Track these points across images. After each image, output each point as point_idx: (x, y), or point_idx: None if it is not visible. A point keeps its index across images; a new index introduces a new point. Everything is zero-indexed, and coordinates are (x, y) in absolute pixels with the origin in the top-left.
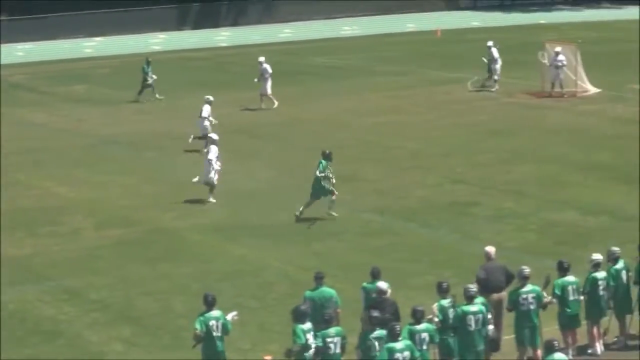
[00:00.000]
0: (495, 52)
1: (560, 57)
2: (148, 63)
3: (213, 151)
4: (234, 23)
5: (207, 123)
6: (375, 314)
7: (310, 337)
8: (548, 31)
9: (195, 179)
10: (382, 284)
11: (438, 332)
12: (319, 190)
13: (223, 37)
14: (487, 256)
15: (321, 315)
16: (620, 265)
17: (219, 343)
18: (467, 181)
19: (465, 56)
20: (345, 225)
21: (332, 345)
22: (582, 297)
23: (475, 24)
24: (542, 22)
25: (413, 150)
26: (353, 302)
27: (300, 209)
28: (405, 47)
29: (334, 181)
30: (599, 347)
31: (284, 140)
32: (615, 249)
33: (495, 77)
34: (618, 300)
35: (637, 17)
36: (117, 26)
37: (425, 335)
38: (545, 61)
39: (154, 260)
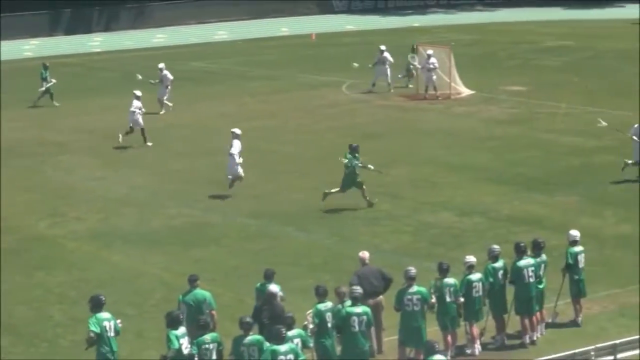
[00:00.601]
0: (388, 56)
1: (432, 59)
2: (46, 68)
3: (236, 145)
4: (107, 28)
5: (137, 117)
6: (247, 319)
7: (184, 341)
8: (421, 34)
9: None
10: (273, 287)
11: (314, 337)
12: (350, 182)
13: (96, 42)
14: (362, 261)
15: (196, 321)
16: (499, 264)
17: (113, 344)
18: (339, 184)
19: (339, 60)
20: (223, 230)
21: (207, 352)
22: (461, 299)
23: (350, 27)
24: (415, 25)
25: (289, 154)
26: (230, 307)
27: (330, 191)
28: (280, 51)
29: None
30: (477, 348)
31: (158, 146)
32: (496, 247)
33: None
34: (494, 299)
35: (511, 20)
36: None
37: (298, 340)
38: (416, 63)
39: (30, 269)
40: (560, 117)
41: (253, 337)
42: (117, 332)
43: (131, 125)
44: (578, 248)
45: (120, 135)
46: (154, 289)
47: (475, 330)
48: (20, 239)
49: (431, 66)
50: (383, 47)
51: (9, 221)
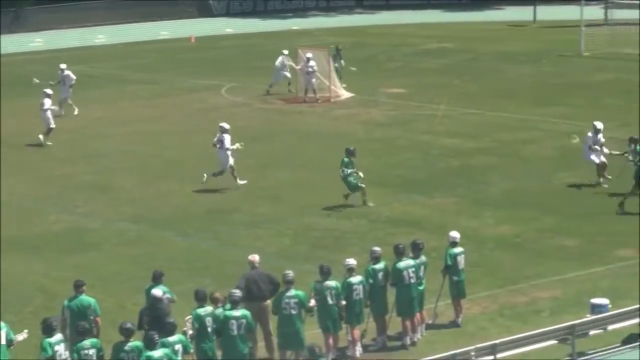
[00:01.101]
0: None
1: (312, 62)
2: None
3: (227, 139)
4: None
5: (49, 114)
6: (128, 325)
7: (59, 348)
8: (301, 37)
9: (204, 178)
10: (157, 291)
11: (194, 341)
12: (350, 185)
13: None
14: (251, 264)
15: (75, 327)
16: (379, 265)
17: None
18: (223, 188)
19: (219, 63)
20: (103, 235)
21: (87, 358)
22: (343, 302)
23: (229, 30)
24: (295, 28)
25: (169, 158)
26: (111, 312)
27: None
28: (160, 55)
29: (362, 175)
30: (358, 350)
31: (39, 151)
32: (377, 248)
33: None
34: (375, 301)
35: (391, 23)
36: None
37: (179, 346)
38: (292, 63)
39: None
40: (439, 119)
41: (133, 343)
42: (9, 341)
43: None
44: (457, 249)
45: (41, 136)
46: (33, 296)
47: (357, 333)
48: None
49: (310, 69)
50: (286, 52)
51: None
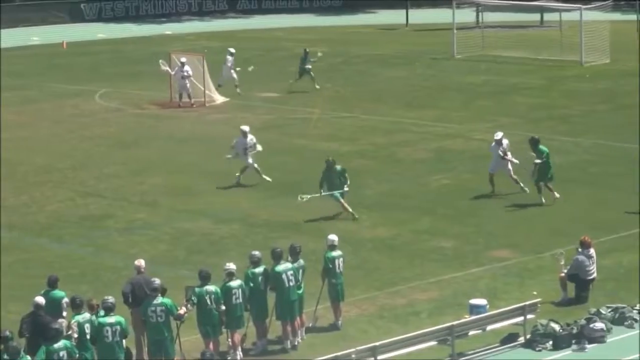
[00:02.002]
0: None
1: (186, 67)
2: None
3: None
4: None
5: None
6: (7, 333)
7: None
8: (174, 41)
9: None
10: (39, 299)
11: (77, 348)
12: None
13: None
14: (137, 269)
15: None
16: (259, 269)
17: None
18: (98, 194)
19: (92, 68)
20: None
21: None
22: (222, 307)
23: (102, 35)
24: (168, 32)
25: (41, 165)
26: None
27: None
28: (30, 61)
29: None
30: (238, 354)
31: None
32: (256, 252)
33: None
34: (255, 305)
35: (264, 27)
36: None
37: (63, 352)
38: (168, 69)
39: None
40: (314, 123)
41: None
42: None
43: None
44: (336, 252)
45: None
46: None
47: (237, 337)
48: None
49: (185, 74)
50: (232, 50)
51: None
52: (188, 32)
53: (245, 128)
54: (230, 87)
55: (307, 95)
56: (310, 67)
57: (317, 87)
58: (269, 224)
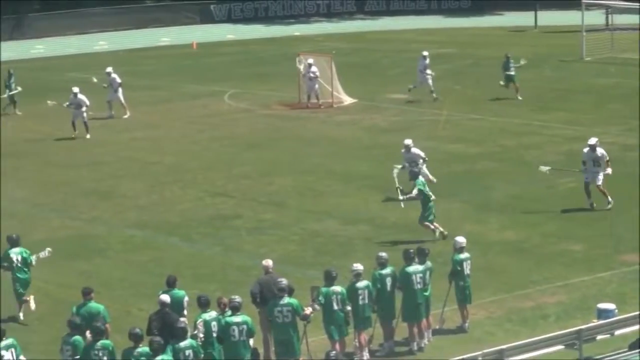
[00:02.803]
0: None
1: (314, 68)
2: (10, 75)
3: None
4: None
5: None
6: (137, 330)
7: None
8: (303, 43)
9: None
10: (164, 297)
11: (202, 347)
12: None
13: None
14: (265, 269)
15: (90, 328)
16: (386, 270)
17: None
18: (227, 194)
19: (221, 69)
20: (107, 241)
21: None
22: (348, 307)
23: (231, 36)
24: (297, 34)
25: (172, 164)
26: (117, 319)
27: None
28: (161, 61)
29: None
30: (365, 355)
31: (39, 158)
32: (383, 254)
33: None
34: (382, 306)
35: (392, 28)
36: None
37: (189, 352)
38: (302, 68)
39: None
40: (442, 125)
41: (142, 348)
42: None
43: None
44: (464, 255)
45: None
46: (39, 302)
47: (364, 338)
48: None
49: (312, 75)
50: (425, 53)
51: None
52: (316, 33)
53: (408, 142)
54: (423, 92)
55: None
56: (513, 73)
57: (519, 98)
58: (396, 226)
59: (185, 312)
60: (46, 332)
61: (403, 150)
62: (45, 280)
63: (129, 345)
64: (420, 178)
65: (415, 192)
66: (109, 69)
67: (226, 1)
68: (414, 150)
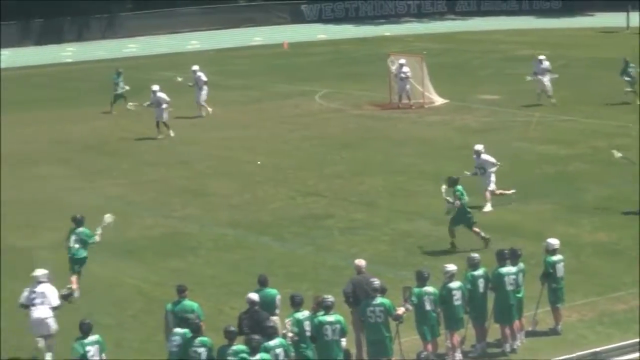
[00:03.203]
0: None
1: (405, 68)
2: (119, 74)
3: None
4: (78, 38)
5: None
6: (232, 328)
7: (92, 349)
8: (393, 43)
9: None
10: (253, 295)
11: (294, 346)
12: (461, 218)
13: (68, 52)
14: (357, 269)
15: (187, 324)
16: (479, 272)
17: None
18: (319, 193)
19: (312, 69)
20: (200, 240)
21: (196, 355)
22: (439, 308)
23: (322, 36)
24: (387, 34)
25: (264, 163)
26: (209, 317)
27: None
28: (253, 61)
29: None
30: (457, 356)
31: (131, 156)
32: (475, 255)
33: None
34: (474, 307)
35: (483, 29)
36: None
37: (280, 350)
38: (393, 69)
39: (6, 279)
40: (534, 126)
41: (237, 346)
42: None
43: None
44: (556, 257)
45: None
46: (132, 299)
47: (456, 339)
48: None
49: (404, 75)
50: (542, 57)
51: None
52: (406, 33)
53: (478, 147)
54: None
55: (526, 98)
56: (630, 79)
57: (639, 102)
58: (486, 227)
59: (277, 310)
60: (140, 330)
61: (474, 156)
62: (139, 278)
63: (222, 343)
64: (459, 186)
65: (454, 200)
66: (195, 67)
67: (317, 1)
68: (484, 156)
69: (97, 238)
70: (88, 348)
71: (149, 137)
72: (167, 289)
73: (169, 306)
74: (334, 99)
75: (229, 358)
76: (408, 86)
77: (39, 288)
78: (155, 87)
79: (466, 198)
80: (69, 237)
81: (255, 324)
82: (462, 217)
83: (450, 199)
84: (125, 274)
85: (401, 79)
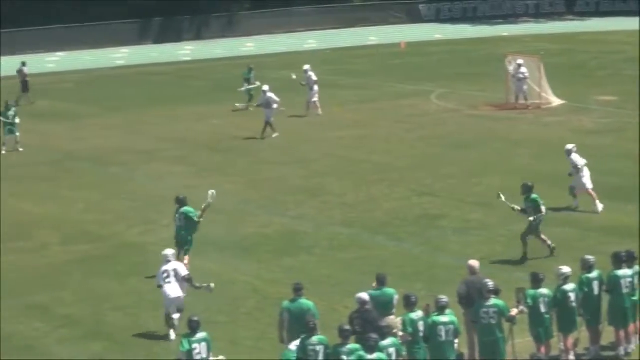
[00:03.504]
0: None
1: (523, 69)
2: (250, 70)
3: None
4: (197, 37)
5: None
6: (347, 327)
7: (198, 346)
8: (511, 43)
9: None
10: (363, 295)
11: (406, 346)
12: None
13: (186, 51)
14: (471, 270)
15: (303, 323)
16: (594, 274)
17: None
18: (434, 193)
19: (429, 69)
20: (314, 239)
21: (314, 354)
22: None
23: (438, 36)
24: (504, 34)
25: (379, 163)
26: (322, 316)
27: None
28: (369, 60)
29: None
30: (571, 358)
31: (247, 154)
32: (590, 257)
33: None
34: (589, 309)
35: (602, 29)
36: (79, 41)
37: (392, 350)
38: (511, 69)
39: (122, 275)
40: None
41: (352, 345)
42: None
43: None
44: None
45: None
46: (246, 297)
47: (570, 341)
48: (112, 246)
49: (521, 76)
50: (307, 67)
51: (101, 228)
52: (524, 34)
53: (569, 146)
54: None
55: None
56: None
57: None
58: (603, 229)
59: (394, 310)
60: (253, 328)
61: (566, 156)
62: (253, 276)
63: (335, 342)
64: (535, 195)
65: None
66: (306, 67)
67: (435, 1)
68: (572, 156)
69: (199, 216)
70: (195, 345)
71: (265, 136)
72: (281, 287)
73: (285, 304)
74: (449, 99)
75: (343, 357)
76: (525, 87)
77: (169, 266)
78: (266, 87)
79: (542, 207)
80: (174, 217)
81: (366, 324)
82: (534, 226)
83: (517, 207)
84: (239, 272)
85: (519, 79)
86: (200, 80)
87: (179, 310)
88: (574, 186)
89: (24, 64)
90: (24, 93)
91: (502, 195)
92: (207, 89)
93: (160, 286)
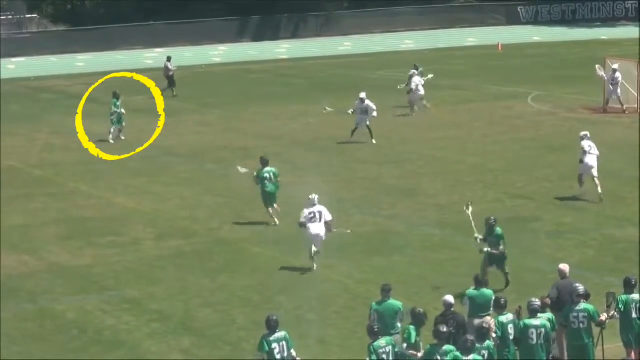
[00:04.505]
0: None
1: (617, 74)
2: (416, 68)
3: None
4: (294, 35)
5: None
6: (444, 329)
7: (277, 346)
8: (610, 47)
9: None
10: (449, 298)
11: (497, 349)
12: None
13: (283, 49)
14: (561, 274)
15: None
16: None
17: None
18: (527, 196)
19: (526, 71)
20: (406, 239)
21: (384, 355)
22: None
23: (536, 38)
24: (603, 37)
25: (473, 165)
26: None
27: None
28: (466, 61)
29: None
30: None
31: (342, 153)
32: None
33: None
34: None
35: None
36: (177, 38)
37: (485, 352)
38: (603, 74)
39: (214, 272)
40: None
41: (447, 347)
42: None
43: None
44: None
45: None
46: (336, 295)
47: None
48: (205, 242)
49: (616, 80)
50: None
51: (195, 224)
52: (624, 37)
53: (583, 133)
54: None
55: None
56: None
57: None
58: None
59: (490, 310)
60: (343, 327)
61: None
62: (344, 275)
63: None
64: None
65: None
66: (362, 95)
67: (534, 3)
68: (583, 142)
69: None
70: (274, 345)
71: (361, 135)
72: (371, 286)
73: (374, 305)
74: (546, 102)
75: (438, 357)
76: (619, 91)
77: (315, 208)
78: (363, 95)
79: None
80: (258, 175)
81: (459, 326)
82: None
83: (480, 236)
84: (331, 270)
85: (612, 84)
86: (296, 79)
87: (318, 246)
88: (582, 173)
89: (169, 58)
90: (170, 87)
91: (470, 207)
92: (303, 88)
93: (302, 224)
